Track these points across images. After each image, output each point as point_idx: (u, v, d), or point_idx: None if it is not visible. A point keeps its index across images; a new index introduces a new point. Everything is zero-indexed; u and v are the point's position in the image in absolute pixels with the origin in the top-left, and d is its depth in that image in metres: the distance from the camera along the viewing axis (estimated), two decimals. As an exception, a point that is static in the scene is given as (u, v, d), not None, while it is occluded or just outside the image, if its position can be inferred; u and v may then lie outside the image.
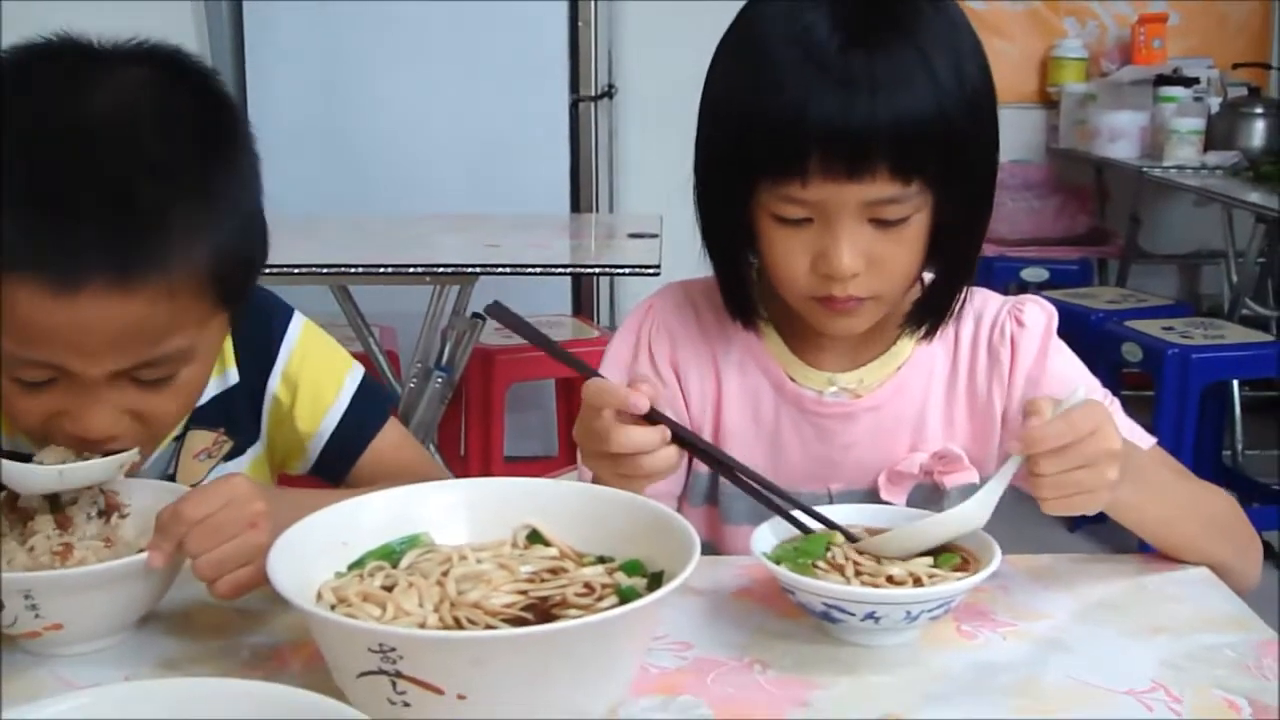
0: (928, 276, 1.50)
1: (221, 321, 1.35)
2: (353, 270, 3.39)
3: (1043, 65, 5.52)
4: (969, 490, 1.46)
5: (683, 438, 1.29)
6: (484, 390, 3.95)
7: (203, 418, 1.49)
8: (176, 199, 1.23)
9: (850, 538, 1.29)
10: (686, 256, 3.54)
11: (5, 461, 1.26)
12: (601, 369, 1.60)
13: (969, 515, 1.27)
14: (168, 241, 1.22)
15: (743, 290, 1.51)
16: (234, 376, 1.51)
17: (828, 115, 1.31)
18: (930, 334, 1.51)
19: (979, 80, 1.38)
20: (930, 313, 1.50)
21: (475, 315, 3.62)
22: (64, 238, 1.19)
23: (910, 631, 1.23)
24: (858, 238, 1.37)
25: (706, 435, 1.54)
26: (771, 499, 1.32)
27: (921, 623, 1.21)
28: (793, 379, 1.54)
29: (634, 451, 1.25)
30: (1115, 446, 1.24)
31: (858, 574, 1.24)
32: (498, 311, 1.34)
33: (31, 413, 1.29)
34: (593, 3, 4.78)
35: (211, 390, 1.49)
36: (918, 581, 1.22)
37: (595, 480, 1.32)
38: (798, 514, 1.30)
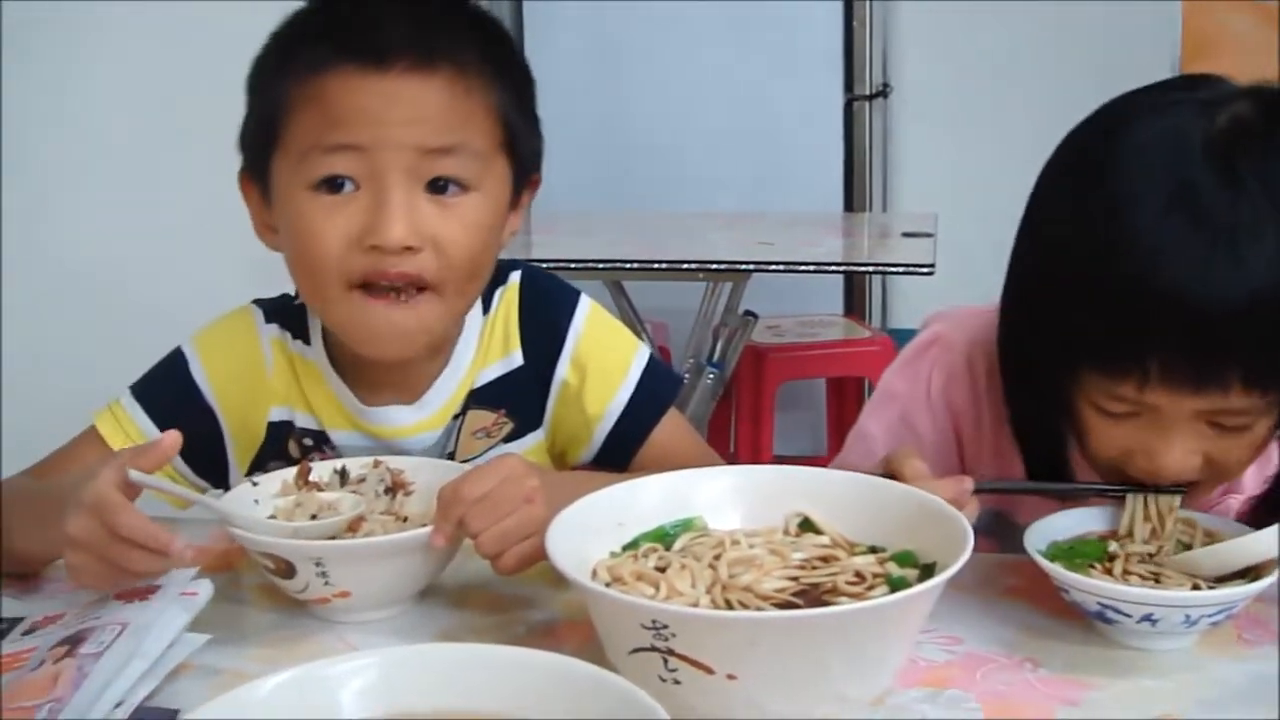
0: None
1: (505, 173, 1.44)
2: (627, 266, 3.44)
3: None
4: None
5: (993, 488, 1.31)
6: (754, 388, 3.95)
7: (484, 398, 1.53)
8: (463, 24, 1.43)
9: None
10: (961, 256, 3.49)
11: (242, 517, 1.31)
12: (872, 404, 1.59)
13: None
14: (460, 42, 1.39)
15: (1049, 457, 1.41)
16: (519, 359, 1.54)
17: (1184, 327, 1.19)
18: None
19: None
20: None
21: (747, 313, 3.63)
22: (372, 31, 1.36)
23: (1188, 637, 1.20)
24: (1190, 439, 1.26)
25: None
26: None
27: (1201, 628, 1.18)
28: None
29: None
30: None
31: (1125, 573, 1.22)
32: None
33: (337, 225, 1.36)
34: (867, 2, 4.74)
35: (495, 371, 1.53)
36: (1196, 586, 1.19)
37: None
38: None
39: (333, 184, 1.37)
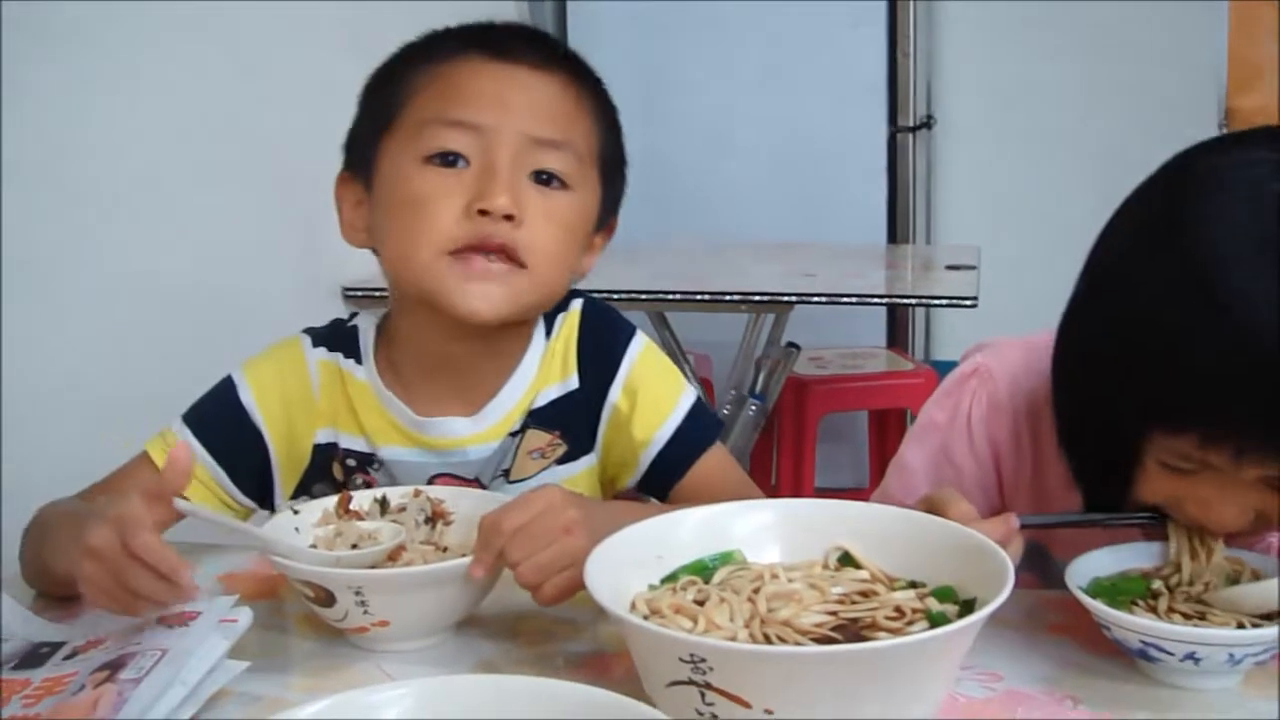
0: None
1: (597, 189, 1.53)
2: (670, 297, 3.44)
3: None
4: None
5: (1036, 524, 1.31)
6: (796, 420, 3.95)
7: (542, 418, 1.55)
8: (574, 55, 1.55)
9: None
10: (1005, 289, 3.48)
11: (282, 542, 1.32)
12: (912, 434, 1.58)
13: None
14: (572, 61, 1.53)
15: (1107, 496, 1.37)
16: (575, 383, 1.56)
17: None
18: None
19: None
20: None
21: (790, 344, 3.63)
22: (500, 34, 1.51)
23: (1232, 676, 1.18)
24: (1247, 498, 1.24)
25: None
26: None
27: (1245, 667, 1.17)
28: None
29: None
30: None
31: (1169, 610, 1.21)
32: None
33: (445, 194, 1.42)
34: (911, 34, 4.75)
35: (553, 393, 1.56)
36: (1241, 625, 1.18)
37: None
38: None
39: (446, 159, 1.44)
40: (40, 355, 2.43)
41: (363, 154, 1.51)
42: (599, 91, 1.55)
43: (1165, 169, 1.30)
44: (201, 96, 2.94)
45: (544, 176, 1.46)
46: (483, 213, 1.41)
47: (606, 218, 1.58)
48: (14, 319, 2.34)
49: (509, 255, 1.43)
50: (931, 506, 1.27)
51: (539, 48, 1.50)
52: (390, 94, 1.50)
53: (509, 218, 1.41)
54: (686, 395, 1.59)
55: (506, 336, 1.52)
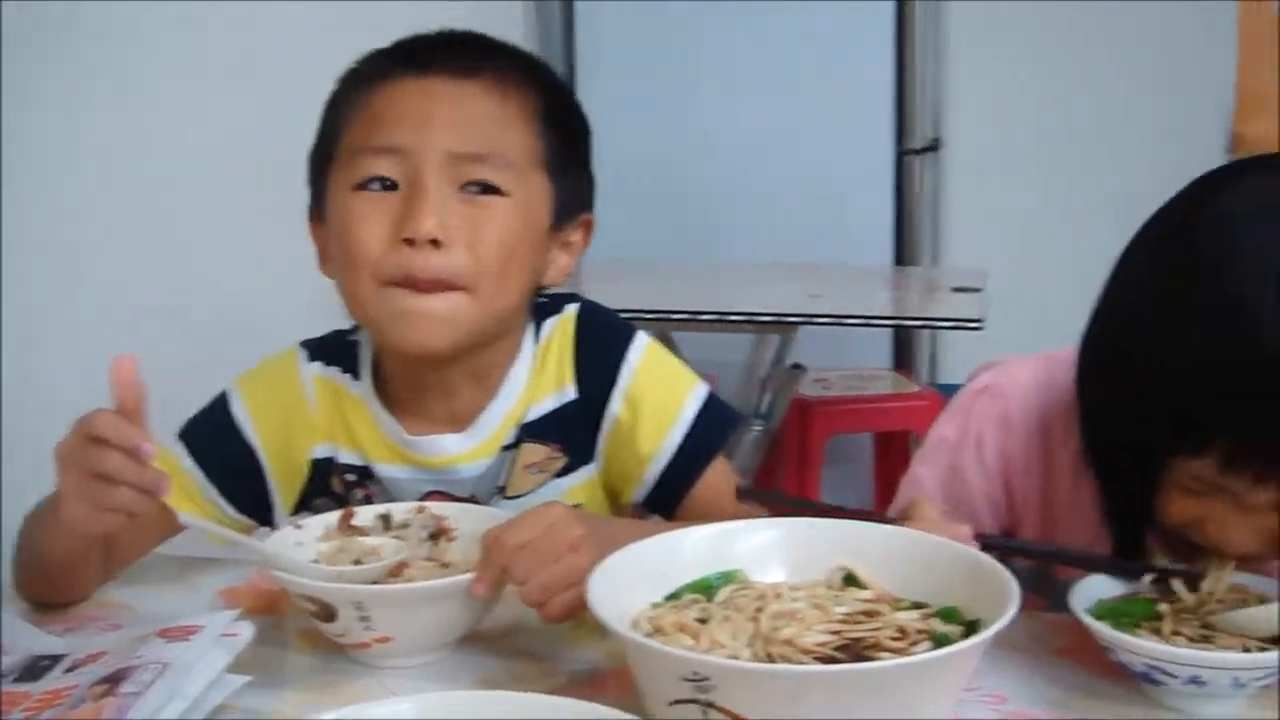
0: None
1: (544, 191, 1.48)
2: (675, 316, 3.43)
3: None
4: None
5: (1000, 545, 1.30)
6: (801, 441, 3.93)
7: (537, 431, 1.53)
8: (511, 54, 1.52)
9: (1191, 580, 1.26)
10: (1011, 311, 3.48)
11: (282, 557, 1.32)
12: (923, 451, 1.58)
13: None
14: (502, 62, 1.49)
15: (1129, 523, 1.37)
16: (572, 393, 1.53)
17: None
18: None
19: None
20: None
21: (795, 365, 3.62)
22: (423, 47, 1.49)
23: (1236, 700, 1.18)
24: (1265, 520, 1.24)
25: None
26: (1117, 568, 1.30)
27: (1250, 691, 1.16)
28: None
29: None
30: None
31: (1174, 633, 1.20)
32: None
33: (374, 220, 1.41)
34: (918, 58, 4.74)
35: (548, 405, 1.53)
36: (1246, 648, 1.17)
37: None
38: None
39: (373, 185, 1.43)
40: (41, 363, 2.42)
41: (317, 192, 1.51)
42: (540, 86, 1.51)
43: (1184, 194, 1.30)
44: (212, 102, 2.93)
45: (474, 187, 1.43)
46: (408, 241, 1.39)
47: (570, 215, 1.54)
48: (14, 323, 2.32)
49: (446, 287, 1.41)
50: (904, 516, 1.28)
51: (462, 54, 1.48)
52: (328, 126, 1.50)
53: (435, 242, 1.39)
54: (694, 398, 1.54)
55: (485, 352, 1.50)
